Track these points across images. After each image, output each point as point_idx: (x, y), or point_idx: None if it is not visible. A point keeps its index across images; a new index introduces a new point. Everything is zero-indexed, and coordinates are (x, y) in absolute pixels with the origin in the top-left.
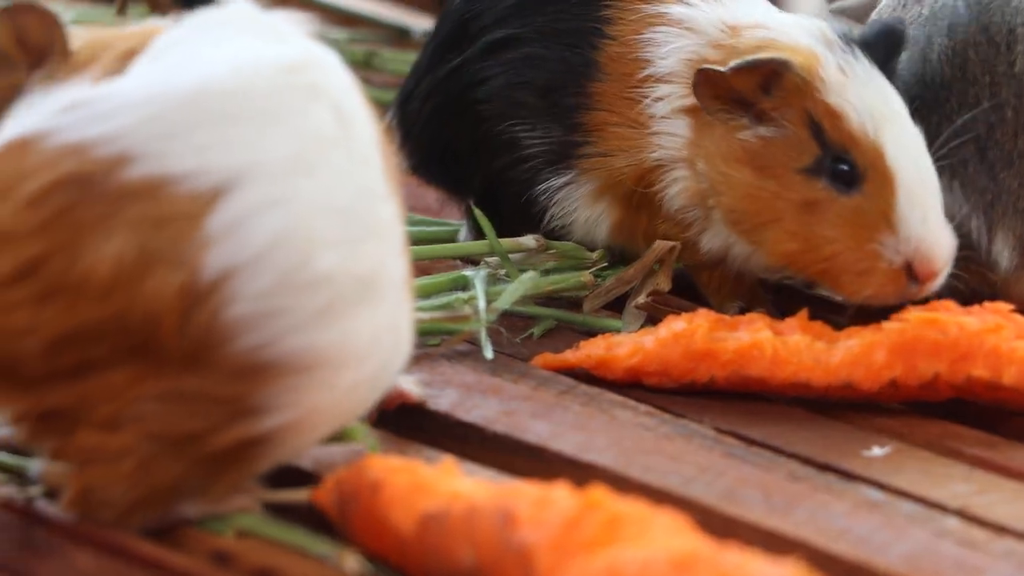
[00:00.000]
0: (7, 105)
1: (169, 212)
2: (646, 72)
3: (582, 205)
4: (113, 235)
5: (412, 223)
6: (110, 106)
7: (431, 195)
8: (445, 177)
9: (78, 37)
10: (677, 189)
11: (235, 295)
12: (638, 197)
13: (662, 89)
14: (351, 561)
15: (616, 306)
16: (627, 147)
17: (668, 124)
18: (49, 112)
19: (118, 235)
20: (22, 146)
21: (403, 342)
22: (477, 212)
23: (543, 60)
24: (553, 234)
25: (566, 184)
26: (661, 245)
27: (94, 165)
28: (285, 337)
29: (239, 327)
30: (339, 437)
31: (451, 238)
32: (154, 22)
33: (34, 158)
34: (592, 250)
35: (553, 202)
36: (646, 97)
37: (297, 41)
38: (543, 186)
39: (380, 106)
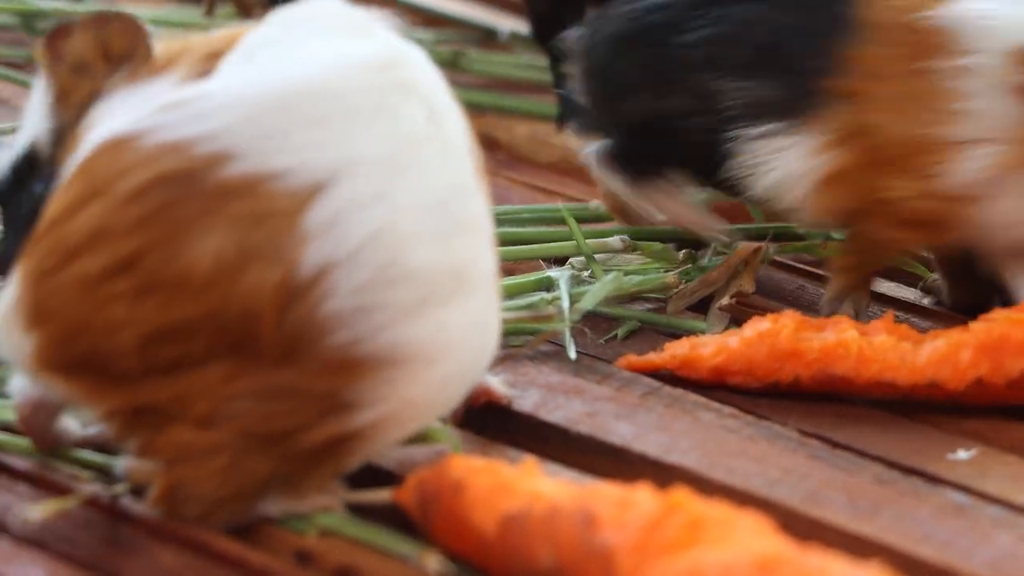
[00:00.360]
0: (85, 110)
1: (267, 209)
2: (945, 42)
3: (793, 157)
4: (212, 232)
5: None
6: (209, 106)
7: (515, 196)
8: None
9: (160, 41)
10: (977, 165)
11: (332, 291)
12: (893, 165)
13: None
14: (433, 561)
15: (700, 308)
16: (895, 117)
17: (980, 101)
18: (144, 112)
19: (217, 232)
20: (118, 145)
21: (492, 337)
22: (565, 214)
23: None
24: (724, 184)
25: (775, 135)
26: (746, 247)
27: (194, 163)
28: (379, 332)
29: (335, 322)
30: (422, 438)
31: (536, 239)
32: (236, 26)
33: (131, 156)
34: (762, 212)
35: (748, 151)
36: (942, 69)
37: (384, 38)
38: (743, 133)
39: (467, 107)
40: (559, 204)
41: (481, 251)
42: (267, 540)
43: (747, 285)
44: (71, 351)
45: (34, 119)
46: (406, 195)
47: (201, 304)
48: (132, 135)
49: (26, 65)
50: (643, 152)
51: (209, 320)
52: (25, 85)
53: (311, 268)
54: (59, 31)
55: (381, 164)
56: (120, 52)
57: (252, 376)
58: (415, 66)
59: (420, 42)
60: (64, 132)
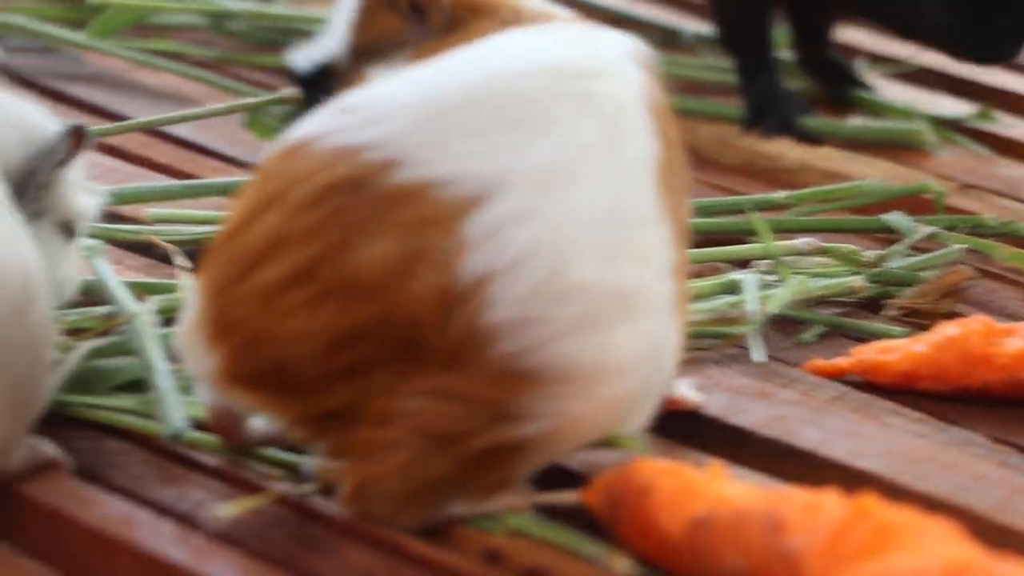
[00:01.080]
0: (379, 53)
1: (431, 216)
2: None
3: None
4: (380, 238)
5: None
6: (380, 110)
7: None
8: None
9: None
10: None
11: (492, 300)
12: None
13: None
14: (621, 563)
15: (873, 308)
16: None
17: None
18: (327, 113)
19: (385, 237)
20: (294, 151)
21: (667, 363)
22: (755, 219)
23: None
24: None
25: None
26: (961, 272)
27: (364, 169)
28: (543, 346)
29: (497, 332)
30: (609, 440)
31: (718, 232)
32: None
33: (307, 162)
34: None
35: None
36: None
37: (590, 46)
38: None
39: None
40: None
41: (655, 278)
42: (456, 540)
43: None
44: (255, 363)
45: (337, 31)
46: (570, 210)
47: (372, 308)
48: (307, 140)
49: (215, 65)
50: None
51: (380, 324)
52: (215, 85)
53: (471, 276)
54: None
55: (546, 177)
56: (422, 4)
57: (422, 377)
58: (608, 79)
59: None
60: (358, 57)
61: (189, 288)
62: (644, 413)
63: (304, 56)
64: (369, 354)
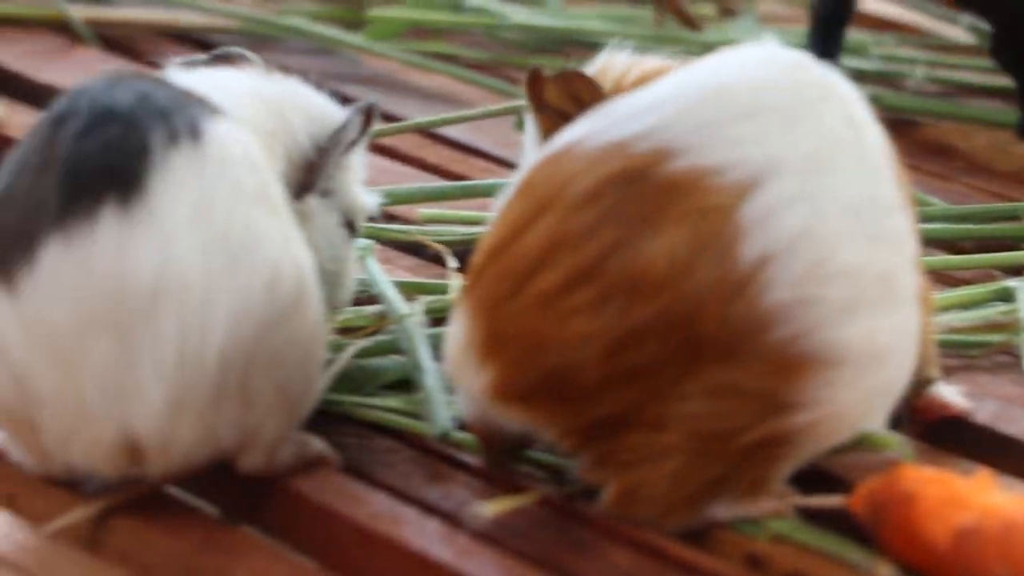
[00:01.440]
0: None
1: (710, 204)
2: None
3: None
4: (663, 230)
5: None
6: (641, 104)
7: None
8: None
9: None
10: None
11: (770, 283)
12: None
13: None
14: (886, 570)
15: None
16: None
17: None
18: (582, 122)
19: (668, 230)
20: (555, 159)
21: (913, 353)
22: None
23: None
24: None
25: None
26: None
27: (637, 161)
28: (815, 329)
29: (774, 316)
30: (872, 444)
31: (990, 239)
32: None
33: (573, 164)
34: None
35: None
36: None
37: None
38: None
39: (923, 114)
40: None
41: (904, 267)
42: (717, 544)
43: None
44: (531, 376)
45: (529, 151)
46: (828, 196)
47: (654, 305)
48: (566, 147)
49: (488, 67)
50: None
51: (660, 321)
52: (487, 87)
53: (750, 262)
54: (533, 81)
55: (806, 162)
56: (588, 101)
57: (698, 376)
58: (827, 72)
59: (874, 47)
60: None
61: (455, 303)
62: (887, 408)
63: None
64: (650, 354)
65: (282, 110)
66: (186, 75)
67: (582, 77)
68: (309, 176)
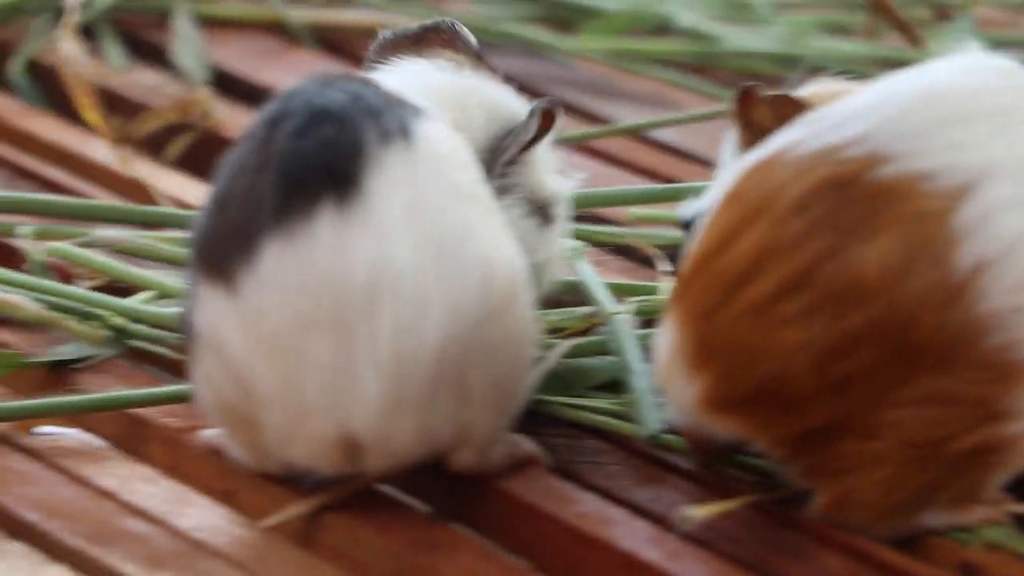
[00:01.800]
0: None
1: (924, 209)
2: None
3: None
4: (876, 236)
5: None
6: (850, 111)
7: None
8: None
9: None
10: None
11: (984, 291)
12: None
13: None
14: None
15: None
16: None
17: None
18: (789, 130)
19: (881, 236)
20: (764, 166)
21: None
22: None
23: None
24: None
25: None
26: None
27: (848, 167)
28: None
29: (989, 324)
30: None
31: None
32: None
33: (783, 171)
34: None
35: None
36: None
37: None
38: None
39: None
40: None
41: None
42: (931, 552)
43: None
44: (743, 385)
45: (726, 165)
46: None
47: (868, 312)
48: (775, 154)
49: (699, 69)
50: None
51: (874, 328)
52: (698, 90)
53: (965, 268)
54: (744, 99)
55: (1021, 166)
56: (791, 118)
57: (911, 383)
58: None
59: None
60: None
61: (664, 308)
62: None
63: (689, 207)
64: (863, 362)
65: (465, 106)
66: (379, 72)
67: (794, 102)
68: (487, 169)
